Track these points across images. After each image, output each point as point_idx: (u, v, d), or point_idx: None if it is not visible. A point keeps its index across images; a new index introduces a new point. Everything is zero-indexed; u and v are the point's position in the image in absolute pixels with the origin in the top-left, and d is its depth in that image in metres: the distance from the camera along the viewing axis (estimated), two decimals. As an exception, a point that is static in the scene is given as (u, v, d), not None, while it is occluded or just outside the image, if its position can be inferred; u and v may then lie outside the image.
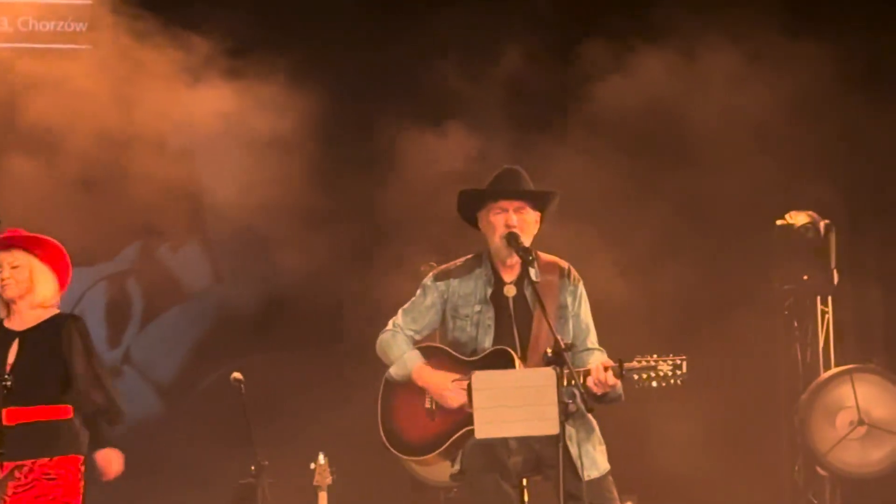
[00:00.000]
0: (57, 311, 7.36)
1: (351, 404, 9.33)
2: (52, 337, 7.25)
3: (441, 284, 7.19)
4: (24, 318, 7.28)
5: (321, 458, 8.17)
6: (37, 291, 7.30)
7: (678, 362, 6.86)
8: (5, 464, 6.92)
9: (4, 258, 7.22)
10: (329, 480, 8.13)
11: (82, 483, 7.20)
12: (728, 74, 10.32)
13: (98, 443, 7.26)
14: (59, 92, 10.29)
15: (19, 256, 7.27)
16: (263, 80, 10.13)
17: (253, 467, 8.28)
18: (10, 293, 7.23)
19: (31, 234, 7.36)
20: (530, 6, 10.72)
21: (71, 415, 7.21)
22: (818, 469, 9.69)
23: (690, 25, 10.21)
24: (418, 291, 7.26)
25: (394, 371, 7.15)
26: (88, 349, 7.33)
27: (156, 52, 10.17)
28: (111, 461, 7.27)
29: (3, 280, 7.21)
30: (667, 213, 10.30)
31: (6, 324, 7.26)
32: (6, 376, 6.80)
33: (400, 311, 7.26)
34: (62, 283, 7.41)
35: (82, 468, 7.21)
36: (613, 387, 6.88)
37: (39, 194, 10.06)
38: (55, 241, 7.37)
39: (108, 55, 10.44)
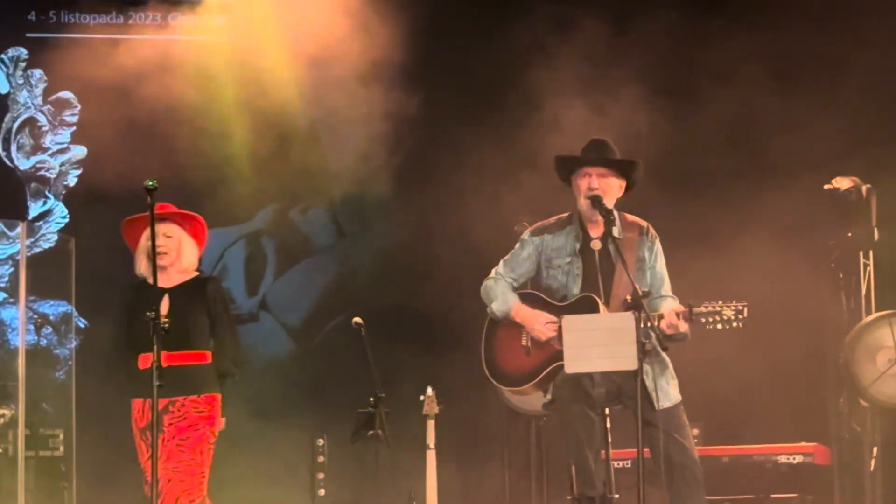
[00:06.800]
0: (197, 274, 7.41)
1: (455, 343, 9.33)
2: (197, 294, 7.27)
3: (536, 239, 7.21)
4: (170, 279, 7.29)
5: (429, 391, 8.02)
6: (183, 258, 7.33)
7: (740, 308, 6.85)
8: (160, 400, 6.84)
9: (160, 229, 7.19)
10: (436, 410, 7.99)
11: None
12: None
13: None
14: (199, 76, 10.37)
15: (172, 228, 7.30)
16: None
17: (372, 398, 8.21)
18: (164, 261, 7.24)
19: (182, 211, 7.39)
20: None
21: (211, 359, 7.26)
22: (860, 401, 9.54)
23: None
24: (517, 245, 7.28)
25: (496, 307, 7.16)
26: (227, 308, 7.41)
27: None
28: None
29: (159, 247, 7.15)
30: (731, 176, 10.23)
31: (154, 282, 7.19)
32: (165, 321, 6.72)
33: (501, 262, 7.28)
34: (201, 250, 7.46)
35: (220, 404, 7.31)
36: (683, 330, 6.89)
37: (190, 167, 10.18)
38: (198, 216, 7.43)
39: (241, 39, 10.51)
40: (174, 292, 7.24)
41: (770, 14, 10.41)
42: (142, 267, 7.29)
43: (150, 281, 7.04)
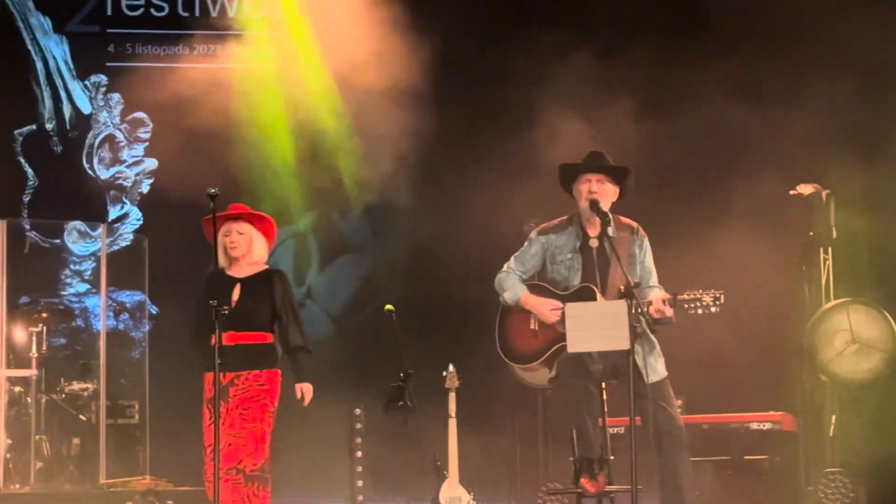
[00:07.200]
0: (266, 266, 7.48)
1: (472, 326, 9.38)
2: (264, 284, 7.36)
3: (542, 238, 7.27)
4: (242, 270, 7.40)
5: (451, 367, 8.20)
6: (254, 252, 7.41)
7: (717, 295, 6.93)
8: (228, 373, 7.03)
9: (233, 227, 7.34)
10: (457, 384, 8.16)
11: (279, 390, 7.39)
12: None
13: (300, 376, 7.36)
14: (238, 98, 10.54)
15: (245, 226, 7.38)
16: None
17: (401, 374, 8.26)
18: (236, 253, 7.36)
19: (254, 211, 7.50)
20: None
21: (273, 340, 7.35)
22: (821, 376, 9.47)
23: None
24: (526, 243, 7.34)
25: (507, 297, 7.21)
26: (290, 296, 7.44)
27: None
28: (307, 392, 7.36)
29: (232, 243, 7.30)
30: (709, 183, 10.33)
31: (229, 272, 7.38)
32: (225, 308, 6.86)
33: (512, 258, 7.34)
34: (270, 246, 7.55)
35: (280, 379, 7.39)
36: (668, 315, 6.98)
37: (245, 177, 10.35)
38: (269, 216, 7.51)
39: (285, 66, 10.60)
40: (245, 281, 7.33)
41: (740, 40, 10.48)
42: (220, 259, 7.41)
43: (226, 272, 7.29)
